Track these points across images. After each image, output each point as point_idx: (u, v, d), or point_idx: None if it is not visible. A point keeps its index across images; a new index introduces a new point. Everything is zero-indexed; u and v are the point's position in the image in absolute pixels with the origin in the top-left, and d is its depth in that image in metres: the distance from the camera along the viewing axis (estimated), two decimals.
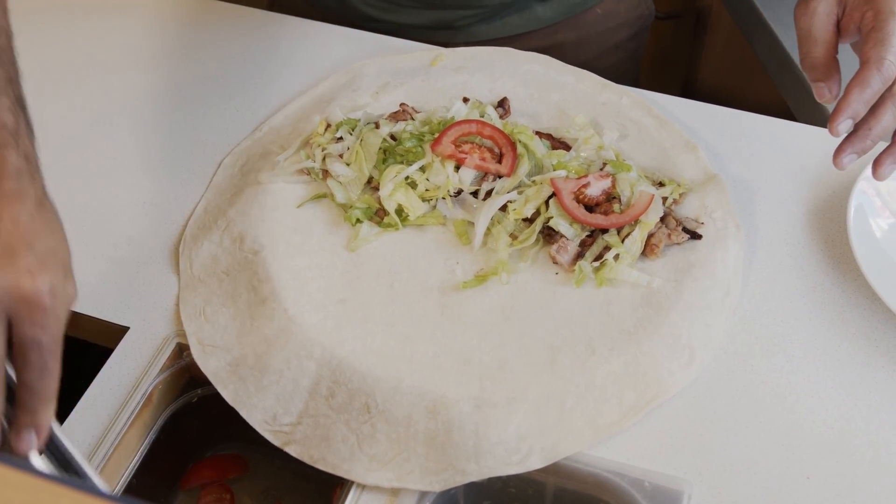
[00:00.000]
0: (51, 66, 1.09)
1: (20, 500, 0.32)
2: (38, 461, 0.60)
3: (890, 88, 0.77)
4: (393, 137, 0.91)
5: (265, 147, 0.96)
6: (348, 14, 1.15)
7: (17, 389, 0.60)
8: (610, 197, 0.85)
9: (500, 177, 0.88)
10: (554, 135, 0.93)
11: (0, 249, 0.58)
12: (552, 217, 0.84)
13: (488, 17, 1.12)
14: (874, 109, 0.78)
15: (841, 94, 0.78)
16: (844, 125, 0.78)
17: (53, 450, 0.62)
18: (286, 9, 1.20)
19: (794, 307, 0.84)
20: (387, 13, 1.13)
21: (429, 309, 0.81)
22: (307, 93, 1.02)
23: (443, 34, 1.13)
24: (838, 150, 0.79)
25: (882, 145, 0.81)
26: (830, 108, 1.04)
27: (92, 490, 0.32)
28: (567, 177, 0.86)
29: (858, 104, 0.77)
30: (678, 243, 0.85)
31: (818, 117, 1.04)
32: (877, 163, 0.80)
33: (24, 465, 0.34)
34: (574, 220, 0.83)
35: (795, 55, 0.88)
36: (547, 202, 0.85)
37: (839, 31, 0.80)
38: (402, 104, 0.95)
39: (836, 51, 0.80)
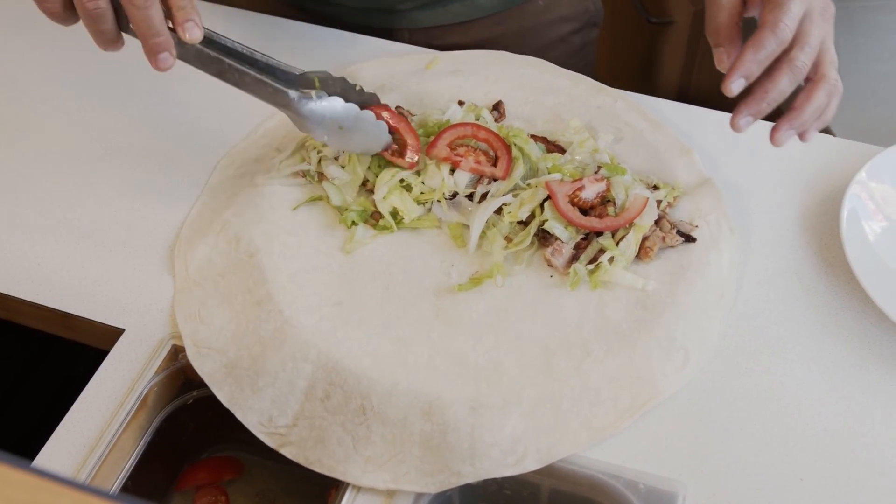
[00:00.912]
0: (46, 68, 1.09)
1: (20, 499, 0.32)
2: (206, 50, 0.78)
3: (787, 52, 0.78)
4: None
5: (261, 149, 0.96)
6: None
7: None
8: (604, 200, 0.86)
9: (495, 180, 0.88)
10: (549, 138, 0.94)
11: None
12: (547, 220, 0.84)
13: (430, 3, 1.13)
14: (770, 72, 0.79)
15: None
16: (737, 84, 0.78)
17: (214, 43, 0.81)
18: None
19: (788, 310, 0.85)
20: None
21: (424, 311, 0.82)
22: None
23: (384, 18, 1.14)
24: (735, 112, 0.80)
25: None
26: None
27: (92, 490, 0.33)
28: (562, 180, 0.86)
29: (752, 64, 0.78)
30: (672, 246, 0.85)
31: None
32: (774, 129, 0.81)
33: (24, 464, 0.34)
34: (569, 222, 0.84)
35: None
36: (542, 205, 0.85)
37: (745, 3, 0.81)
38: (397, 107, 0.96)
39: (739, 19, 0.81)
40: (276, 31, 1.12)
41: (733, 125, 0.80)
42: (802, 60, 0.78)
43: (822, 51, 0.79)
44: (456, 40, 1.15)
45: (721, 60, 0.80)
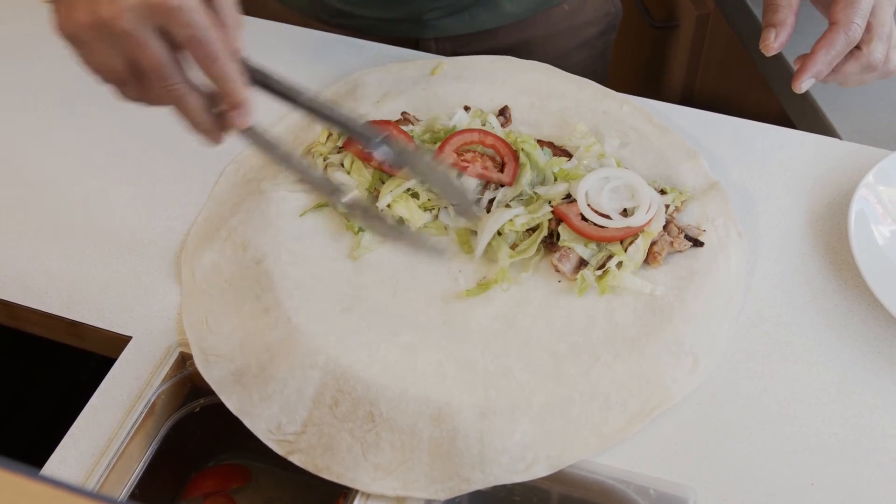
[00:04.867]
0: (50, 73, 1.09)
1: None
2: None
3: (859, 46, 0.82)
4: None
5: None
6: (318, 10, 1.15)
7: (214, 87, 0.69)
8: None
9: (502, 185, 0.88)
10: (555, 143, 0.93)
11: None
12: (566, 242, 0.83)
13: (456, 11, 1.13)
14: (838, 67, 0.83)
15: (792, 47, 0.85)
16: (807, 83, 0.84)
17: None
18: (257, 8, 1.20)
19: (797, 314, 0.84)
20: (356, 7, 1.13)
21: (432, 317, 0.81)
22: None
23: (412, 28, 1.14)
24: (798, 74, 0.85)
25: None
26: (829, 113, 1.05)
27: (111, 501, 0.32)
28: (567, 199, 0.85)
29: (822, 65, 0.82)
30: (680, 251, 0.85)
31: (817, 124, 1.05)
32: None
33: (40, 475, 0.34)
34: (588, 238, 0.83)
35: (793, 61, 0.88)
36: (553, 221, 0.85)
37: None
38: (403, 113, 0.96)
39: (797, 8, 0.84)
40: (282, 38, 1.12)
41: (795, 87, 0.84)
42: (877, 56, 0.82)
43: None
44: (482, 47, 1.14)
45: (767, 38, 0.84)
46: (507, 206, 0.86)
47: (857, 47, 0.83)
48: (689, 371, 0.79)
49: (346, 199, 0.74)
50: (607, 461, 0.75)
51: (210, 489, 0.89)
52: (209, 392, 0.80)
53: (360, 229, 0.87)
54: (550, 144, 0.93)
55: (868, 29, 0.83)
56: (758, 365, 0.81)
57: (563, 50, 1.18)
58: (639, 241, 0.83)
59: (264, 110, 1.02)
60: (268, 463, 0.89)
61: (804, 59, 0.84)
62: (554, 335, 0.80)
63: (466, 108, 0.96)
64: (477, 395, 0.76)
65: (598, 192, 0.85)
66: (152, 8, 0.63)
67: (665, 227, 0.85)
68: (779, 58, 1.16)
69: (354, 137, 0.78)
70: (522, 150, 0.89)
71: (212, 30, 0.66)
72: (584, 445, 0.75)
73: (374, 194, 0.88)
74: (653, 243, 0.84)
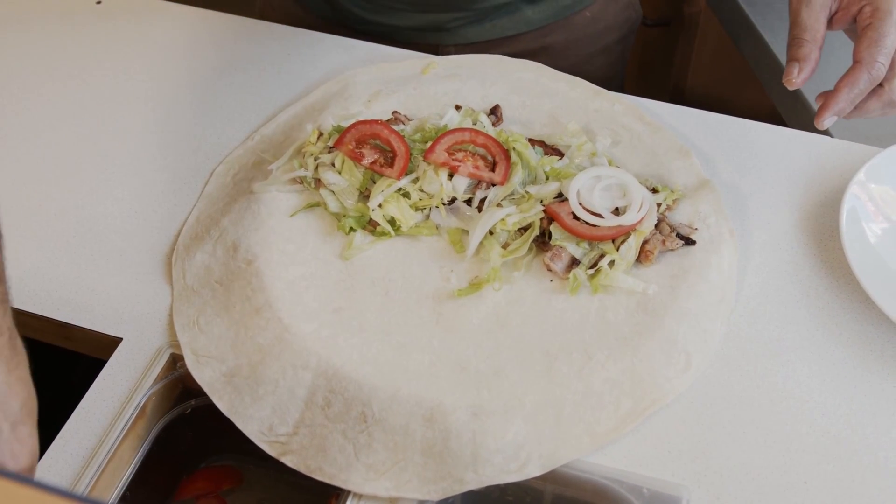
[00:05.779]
0: (42, 74, 1.08)
1: None
2: None
3: (882, 84, 0.83)
4: None
5: (257, 156, 0.96)
6: (340, 16, 1.15)
7: None
8: None
9: (493, 185, 0.87)
10: (547, 142, 0.93)
11: None
12: (558, 241, 0.83)
13: (478, 19, 1.13)
14: (860, 104, 0.84)
15: (815, 82, 0.85)
16: (829, 121, 0.84)
17: None
18: (278, 13, 1.20)
19: (789, 312, 0.84)
20: (378, 15, 1.13)
21: (424, 317, 0.81)
22: (299, 101, 1.02)
23: (433, 36, 1.14)
24: (820, 112, 0.86)
25: None
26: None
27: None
28: (559, 198, 0.85)
29: (845, 103, 0.82)
30: (672, 249, 0.85)
31: (808, 122, 1.05)
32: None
33: (29, 479, 0.33)
34: (580, 237, 0.83)
35: (785, 60, 0.88)
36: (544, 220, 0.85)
37: (831, 22, 0.85)
38: (394, 112, 0.95)
39: (822, 42, 0.85)
40: (272, 38, 1.12)
41: (818, 124, 0.85)
42: None
43: None
44: (502, 53, 1.14)
45: (790, 72, 0.84)
46: (499, 205, 0.86)
47: (880, 84, 0.84)
48: (681, 370, 0.79)
49: None
50: (600, 460, 0.75)
51: (201, 491, 0.89)
52: (200, 393, 0.80)
53: (352, 229, 0.86)
54: (542, 143, 0.93)
55: (892, 66, 0.83)
56: (750, 363, 0.81)
57: (583, 55, 1.18)
58: (631, 239, 0.83)
59: (254, 111, 1.03)
60: (260, 464, 0.89)
61: (827, 96, 0.85)
62: (546, 334, 0.80)
63: (457, 107, 0.96)
64: (469, 394, 0.76)
65: (589, 190, 0.85)
66: None
67: (657, 226, 0.85)
68: (770, 56, 1.16)
69: None
70: (514, 149, 0.88)
71: None
72: (577, 445, 0.75)
73: (365, 194, 0.88)
74: (645, 242, 0.83)
